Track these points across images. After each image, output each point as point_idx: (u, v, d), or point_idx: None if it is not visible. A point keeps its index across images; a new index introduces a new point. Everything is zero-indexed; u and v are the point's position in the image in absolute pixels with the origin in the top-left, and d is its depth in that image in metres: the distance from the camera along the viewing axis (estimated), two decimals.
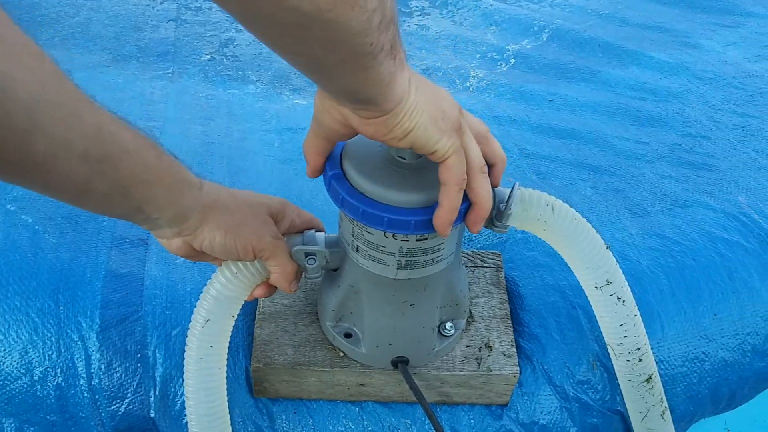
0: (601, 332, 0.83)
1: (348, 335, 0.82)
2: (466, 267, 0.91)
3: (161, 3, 1.63)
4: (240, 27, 1.56)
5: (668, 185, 1.09)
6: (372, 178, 0.66)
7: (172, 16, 1.59)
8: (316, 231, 0.78)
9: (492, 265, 0.91)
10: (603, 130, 1.23)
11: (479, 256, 0.92)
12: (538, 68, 1.44)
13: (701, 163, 1.14)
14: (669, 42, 1.49)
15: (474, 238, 1.00)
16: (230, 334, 0.76)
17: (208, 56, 1.46)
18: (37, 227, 0.95)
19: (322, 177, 0.70)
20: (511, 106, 1.31)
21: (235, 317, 0.75)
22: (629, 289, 0.78)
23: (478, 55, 1.50)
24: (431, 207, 0.64)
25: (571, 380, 0.86)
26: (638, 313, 0.80)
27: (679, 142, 1.19)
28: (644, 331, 0.81)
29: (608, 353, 0.84)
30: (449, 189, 0.62)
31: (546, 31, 1.55)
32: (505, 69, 1.45)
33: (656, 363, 0.86)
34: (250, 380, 0.85)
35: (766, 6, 1.59)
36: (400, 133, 0.59)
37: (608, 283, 0.77)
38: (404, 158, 0.66)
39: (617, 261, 0.78)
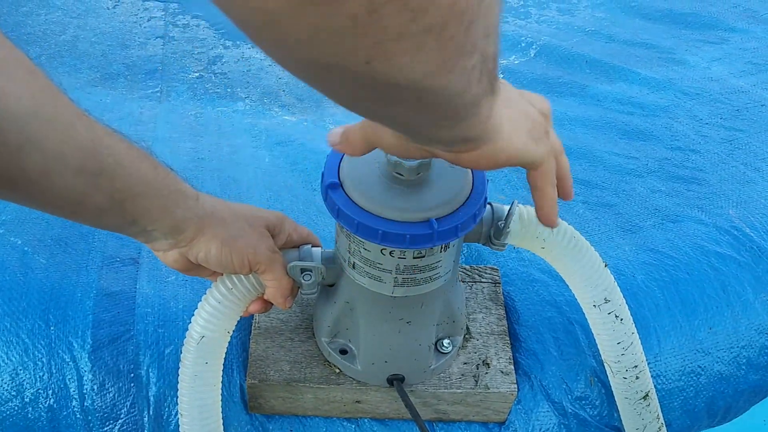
0: (598, 349, 0.83)
1: (343, 351, 0.81)
2: (463, 282, 0.91)
3: (148, 20, 1.63)
4: (228, 44, 1.56)
5: (659, 199, 1.10)
6: (369, 192, 0.65)
7: (160, 33, 1.58)
8: (312, 246, 0.77)
9: (490, 280, 0.91)
10: (592, 144, 1.24)
11: (477, 271, 0.92)
12: (526, 83, 1.45)
13: (690, 177, 1.14)
14: (655, 58, 1.50)
15: (467, 251, 1.00)
16: (225, 350, 0.75)
17: (197, 74, 1.46)
18: (26, 248, 0.94)
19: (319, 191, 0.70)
20: None
21: (231, 333, 0.75)
22: (627, 307, 0.78)
23: None
24: (427, 222, 0.64)
25: (569, 396, 0.86)
26: (636, 331, 0.80)
27: (668, 156, 1.20)
28: (641, 349, 0.81)
29: (605, 368, 0.83)
30: (545, 191, 0.61)
31: (533, 47, 1.56)
32: None
33: (653, 377, 0.86)
34: (244, 396, 0.84)
35: (749, 22, 1.61)
36: (504, 159, 0.54)
37: (606, 301, 0.76)
38: (402, 175, 0.66)
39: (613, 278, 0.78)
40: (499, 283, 0.91)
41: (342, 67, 0.36)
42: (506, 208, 0.74)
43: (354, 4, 0.31)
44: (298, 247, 0.77)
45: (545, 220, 0.64)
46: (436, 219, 0.64)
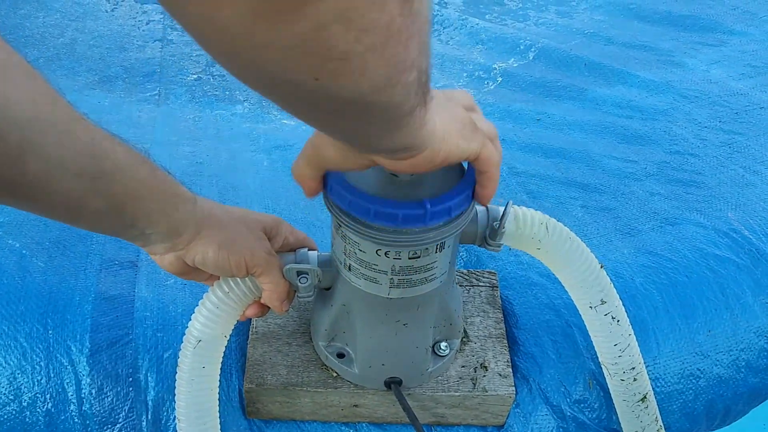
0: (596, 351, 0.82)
1: (341, 355, 0.81)
2: (461, 286, 0.91)
3: (147, 23, 1.63)
4: None
5: (658, 203, 1.10)
6: (365, 181, 0.65)
7: (158, 36, 1.58)
8: (308, 249, 0.77)
9: (487, 284, 0.91)
10: (591, 148, 1.23)
11: (474, 275, 0.92)
12: (525, 87, 1.45)
13: (689, 181, 1.14)
14: (653, 61, 1.50)
15: (466, 256, 1.00)
16: (223, 354, 0.75)
17: (195, 76, 1.46)
18: (24, 251, 0.94)
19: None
20: (499, 125, 1.30)
21: (228, 337, 0.74)
22: (624, 308, 0.78)
23: (464, 74, 1.50)
24: (419, 202, 0.63)
25: (568, 399, 0.86)
26: (632, 332, 0.80)
27: (667, 160, 1.19)
28: (639, 350, 0.81)
29: (603, 371, 0.83)
30: (490, 174, 0.63)
31: (532, 49, 1.56)
32: (492, 88, 1.46)
33: (652, 380, 0.86)
34: (243, 401, 0.84)
35: (748, 24, 1.61)
36: (440, 160, 0.57)
37: (602, 302, 0.76)
38: (397, 176, 0.65)
39: (611, 280, 0.78)
40: (497, 287, 0.91)
41: (292, 82, 0.38)
42: (501, 208, 0.74)
43: (302, 24, 0.33)
44: (294, 250, 0.77)
45: (482, 199, 0.66)
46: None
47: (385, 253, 0.67)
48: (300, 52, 0.35)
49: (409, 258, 0.67)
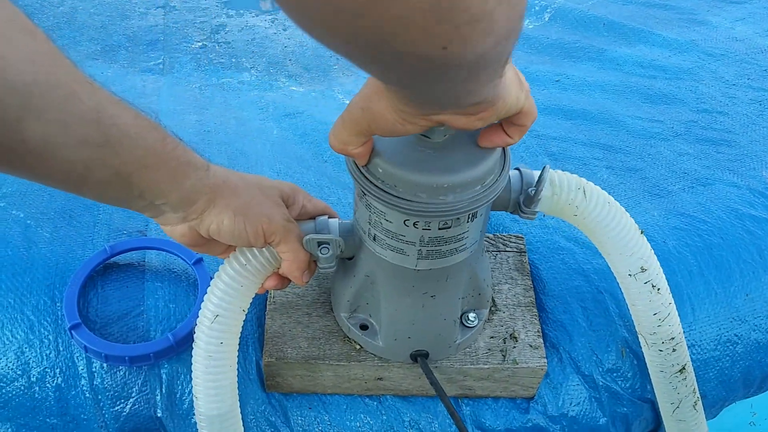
0: (630, 318, 0.78)
1: (364, 327, 0.77)
2: (487, 251, 0.86)
3: None
4: (231, 12, 1.51)
5: (687, 163, 1.05)
6: (396, 158, 0.61)
7: (161, 2, 1.54)
8: (329, 218, 0.73)
9: (515, 249, 0.87)
10: (614, 109, 1.19)
11: (501, 240, 0.88)
12: (542, 48, 1.40)
13: (720, 139, 1.10)
14: (675, 19, 1.45)
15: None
16: (241, 329, 0.71)
17: (200, 43, 1.41)
18: (29, 222, 0.90)
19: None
20: None
21: (246, 311, 0.71)
22: (664, 276, 0.74)
23: None
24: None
25: (600, 369, 0.82)
26: (673, 301, 0.75)
27: (695, 119, 1.15)
28: (679, 320, 0.77)
29: (638, 339, 0.79)
30: (525, 128, 0.61)
31: (548, 10, 1.51)
32: None
33: (687, 347, 0.82)
34: (261, 374, 0.81)
35: None
36: (504, 112, 0.55)
37: (642, 270, 0.72)
38: (429, 137, 0.61)
39: None
40: (525, 252, 0.87)
41: (415, 54, 0.36)
42: (536, 173, 0.69)
43: None
44: (314, 218, 0.72)
45: (506, 145, 0.63)
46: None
47: (414, 224, 0.62)
48: (434, 21, 0.33)
49: (439, 228, 0.63)
